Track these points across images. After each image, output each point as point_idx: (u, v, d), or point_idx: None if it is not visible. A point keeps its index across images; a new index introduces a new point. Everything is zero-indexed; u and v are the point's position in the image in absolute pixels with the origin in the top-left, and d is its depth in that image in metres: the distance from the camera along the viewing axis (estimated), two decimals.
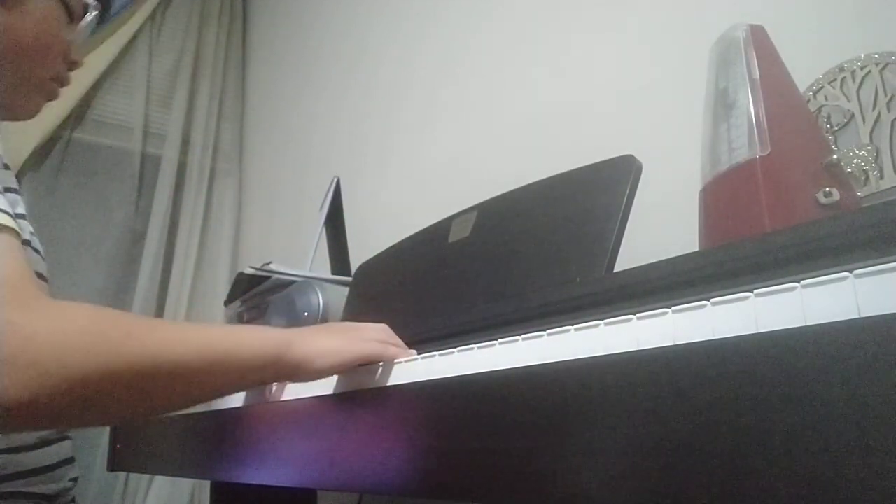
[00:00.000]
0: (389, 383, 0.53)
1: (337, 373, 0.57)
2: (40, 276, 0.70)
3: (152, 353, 0.47)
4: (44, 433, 0.72)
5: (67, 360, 0.43)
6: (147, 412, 0.54)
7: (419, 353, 0.54)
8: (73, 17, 0.71)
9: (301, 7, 2.19)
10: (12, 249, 0.49)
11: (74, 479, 0.78)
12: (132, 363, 0.46)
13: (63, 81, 0.74)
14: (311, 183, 1.82)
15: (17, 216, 0.55)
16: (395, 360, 0.55)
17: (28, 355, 0.42)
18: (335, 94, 1.93)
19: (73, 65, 0.74)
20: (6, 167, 0.66)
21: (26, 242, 0.65)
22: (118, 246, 2.08)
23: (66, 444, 0.78)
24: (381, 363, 0.56)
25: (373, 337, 0.58)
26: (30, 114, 0.74)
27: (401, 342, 0.59)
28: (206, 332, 0.52)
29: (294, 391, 0.67)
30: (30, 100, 0.72)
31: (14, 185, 0.67)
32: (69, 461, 0.77)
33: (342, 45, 1.93)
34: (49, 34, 0.69)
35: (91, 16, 0.73)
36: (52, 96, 0.74)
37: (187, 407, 0.56)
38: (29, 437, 0.71)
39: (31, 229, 0.70)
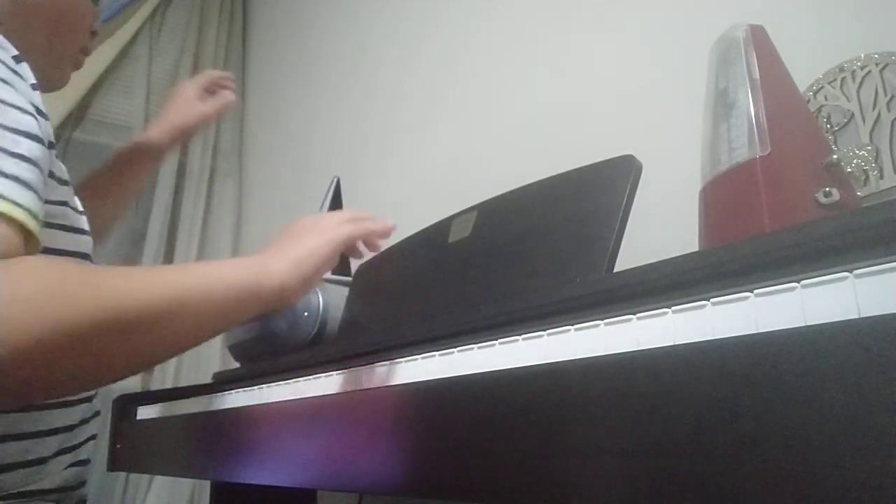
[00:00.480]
0: (389, 383, 0.53)
1: (322, 273, 0.55)
2: (84, 256, 0.68)
3: (114, 304, 0.44)
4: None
5: (19, 324, 0.39)
6: (127, 367, 0.48)
7: (419, 354, 0.54)
8: None
9: (301, 7, 2.19)
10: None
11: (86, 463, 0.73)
12: (94, 317, 0.42)
13: (87, 51, 0.78)
14: (311, 183, 1.82)
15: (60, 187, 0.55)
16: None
17: None
18: (335, 94, 1.93)
19: (94, 35, 0.78)
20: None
21: (64, 227, 0.64)
22: (118, 246, 2.08)
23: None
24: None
25: (340, 220, 0.56)
26: (62, 84, 0.77)
27: (369, 215, 0.56)
28: (173, 273, 0.49)
29: (294, 391, 0.67)
30: (63, 71, 0.75)
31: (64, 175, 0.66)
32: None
33: (342, 45, 1.93)
34: (82, 6, 0.73)
35: None
36: (78, 66, 0.78)
37: (172, 354, 0.52)
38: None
39: (80, 207, 0.69)
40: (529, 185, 0.74)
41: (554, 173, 0.72)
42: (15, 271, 0.42)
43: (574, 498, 0.35)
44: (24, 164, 0.49)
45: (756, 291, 0.32)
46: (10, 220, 0.45)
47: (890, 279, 0.27)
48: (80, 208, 0.70)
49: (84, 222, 0.70)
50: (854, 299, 0.28)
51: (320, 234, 0.55)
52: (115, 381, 0.48)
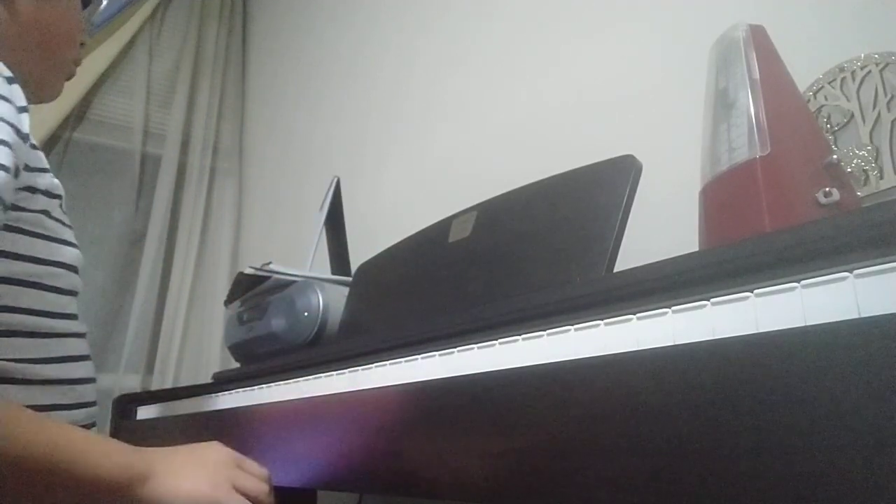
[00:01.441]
0: (389, 383, 0.53)
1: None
2: (69, 267, 0.70)
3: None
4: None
5: None
6: None
7: (419, 354, 0.54)
8: (85, 1, 0.78)
9: (301, 7, 2.19)
10: None
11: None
12: None
13: (78, 62, 0.80)
14: (311, 183, 1.82)
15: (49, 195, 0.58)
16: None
17: None
18: (335, 94, 1.93)
19: (82, 46, 0.80)
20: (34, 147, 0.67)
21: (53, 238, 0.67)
22: (118, 246, 2.08)
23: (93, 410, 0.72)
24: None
25: (246, 489, 0.53)
26: (55, 95, 0.79)
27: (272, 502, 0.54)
28: (55, 435, 0.46)
29: (294, 391, 0.67)
30: (57, 81, 0.77)
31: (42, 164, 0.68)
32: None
33: (342, 45, 1.93)
34: (74, 20, 0.75)
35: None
36: (70, 76, 0.79)
37: None
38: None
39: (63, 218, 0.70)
40: (529, 185, 0.74)
41: (554, 173, 0.72)
42: None
43: (574, 498, 0.35)
44: None
45: (756, 291, 0.32)
46: None
47: (890, 279, 0.27)
48: (67, 222, 0.72)
49: (70, 235, 0.71)
50: (854, 299, 0.28)
51: (216, 489, 0.52)
52: None
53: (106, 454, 0.49)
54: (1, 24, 0.68)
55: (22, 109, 0.59)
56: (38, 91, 0.75)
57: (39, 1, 0.70)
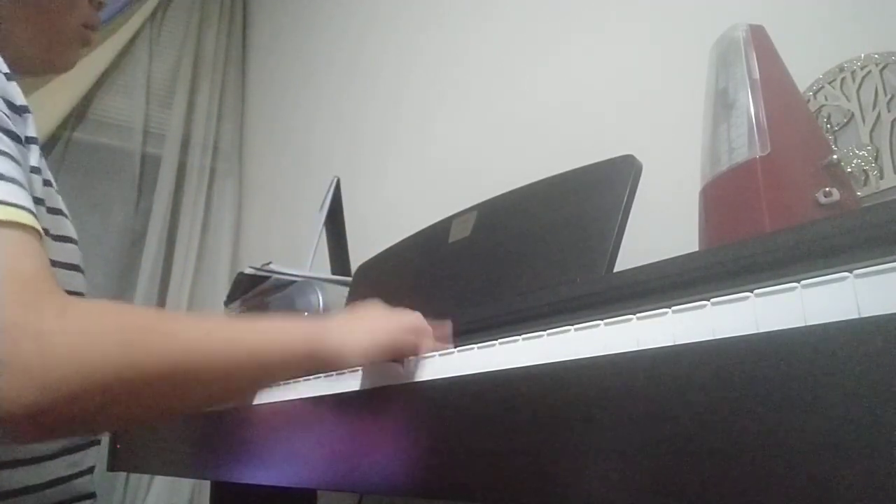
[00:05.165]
0: (389, 383, 0.53)
1: (372, 361, 0.54)
2: (75, 267, 0.66)
3: (178, 356, 0.43)
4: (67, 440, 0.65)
5: (86, 363, 0.39)
6: (168, 413, 0.50)
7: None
8: None
9: (301, 7, 2.19)
10: (24, 246, 0.44)
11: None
12: (157, 366, 0.42)
13: (94, 26, 0.74)
14: (311, 183, 1.82)
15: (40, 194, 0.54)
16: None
17: (42, 360, 0.38)
18: (335, 93, 1.93)
19: (99, 6, 0.74)
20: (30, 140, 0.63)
21: (61, 237, 0.63)
22: (118, 246, 2.08)
23: (93, 451, 0.69)
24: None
25: (407, 327, 0.55)
26: (68, 65, 0.73)
27: (430, 332, 0.56)
28: (233, 328, 0.49)
29: (294, 391, 0.67)
30: (67, 50, 0.72)
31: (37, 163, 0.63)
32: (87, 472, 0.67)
33: (342, 45, 1.93)
34: None
35: None
36: (86, 42, 0.73)
37: (210, 406, 0.52)
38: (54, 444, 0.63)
39: (63, 209, 0.67)
40: (529, 185, 0.74)
41: (554, 173, 0.72)
42: (87, 310, 0.42)
43: (574, 498, 0.35)
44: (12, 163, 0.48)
45: (756, 291, 0.32)
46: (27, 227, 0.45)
47: (890, 279, 0.27)
48: (67, 212, 0.68)
49: (71, 229, 0.68)
50: (854, 299, 0.28)
51: (385, 332, 0.54)
52: (149, 423, 0.47)
53: (284, 330, 0.51)
54: None
55: (24, 110, 0.56)
56: (48, 58, 0.70)
57: None
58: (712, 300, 0.33)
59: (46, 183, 0.61)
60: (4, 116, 0.52)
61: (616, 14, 1.14)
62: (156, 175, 2.17)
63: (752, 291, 0.32)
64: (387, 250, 0.95)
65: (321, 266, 1.28)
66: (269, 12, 2.45)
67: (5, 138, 0.50)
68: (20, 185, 0.48)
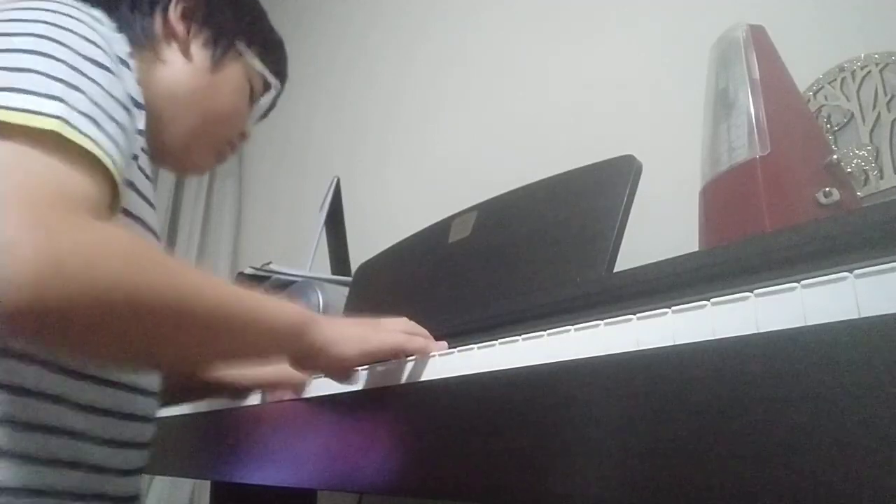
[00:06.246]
0: (389, 383, 0.53)
1: (359, 363, 0.55)
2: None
3: (181, 293, 0.44)
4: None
5: (96, 272, 0.39)
6: (156, 356, 0.49)
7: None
8: (253, 94, 0.77)
9: (300, 7, 2.19)
10: (51, 166, 0.43)
11: None
12: (161, 297, 0.43)
13: (234, 148, 0.79)
14: (311, 183, 1.82)
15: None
16: (430, 354, 0.53)
17: (54, 256, 0.38)
18: (335, 93, 1.93)
19: (242, 136, 0.79)
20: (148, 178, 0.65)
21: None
22: None
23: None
24: (398, 359, 0.55)
25: (396, 328, 0.56)
26: (201, 171, 0.78)
27: (425, 332, 0.57)
28: (235, 288, 0.50)
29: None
30: (206, 158, 0.76)
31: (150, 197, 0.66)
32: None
33: (341, 45, 1.93)
34: (240, 103, 0.74)
35: (271, 95, 0.79)
36: (221, 159, 0.78)
37: (197, 361, 0.53)
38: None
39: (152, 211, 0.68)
40: (529, 185, 0.74)
41: (554, 173, 0.72)
42: (104, 232, 0.42)
43: (574, 498, 0.35)
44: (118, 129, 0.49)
45: (756, 291, 0.31)
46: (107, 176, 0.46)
47: (890, 279, 0.27)
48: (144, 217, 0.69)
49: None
50: (854, 299, 0.28)
51: (375, 331, 0.56)
52: (137, 366, 0.48)
53: (279, 305, 0.52)
54: (175, 69, 0.67)
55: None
56: (182, 158, 0.73)
57: (213, 75, 0.69)
58: (712, 300, 0.33)
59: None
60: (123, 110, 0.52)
61: (616, 14, 1.14)
62: (156, 175, 2.17)
63: (752, 291, 0.32)
64: (387, 250, 0.95)
65: (321, 266, 1.28)
66: (268, 12, 2.45)
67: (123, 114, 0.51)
68: (114, 140, 0.48)
